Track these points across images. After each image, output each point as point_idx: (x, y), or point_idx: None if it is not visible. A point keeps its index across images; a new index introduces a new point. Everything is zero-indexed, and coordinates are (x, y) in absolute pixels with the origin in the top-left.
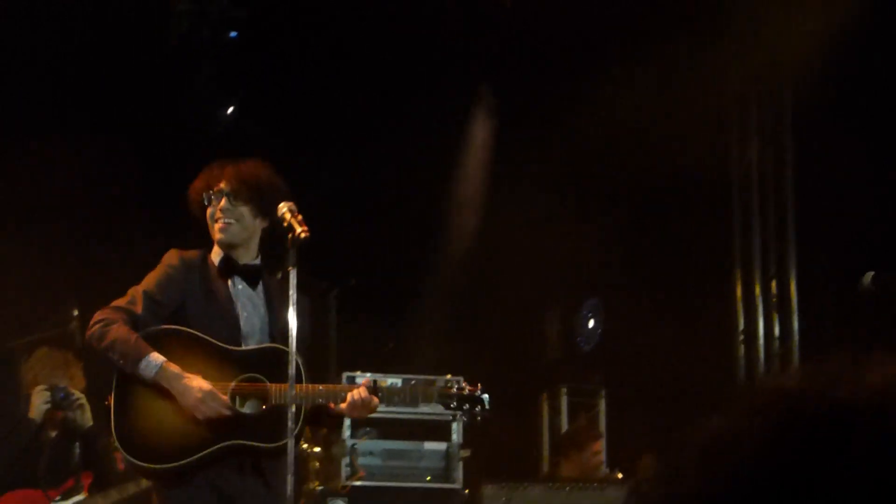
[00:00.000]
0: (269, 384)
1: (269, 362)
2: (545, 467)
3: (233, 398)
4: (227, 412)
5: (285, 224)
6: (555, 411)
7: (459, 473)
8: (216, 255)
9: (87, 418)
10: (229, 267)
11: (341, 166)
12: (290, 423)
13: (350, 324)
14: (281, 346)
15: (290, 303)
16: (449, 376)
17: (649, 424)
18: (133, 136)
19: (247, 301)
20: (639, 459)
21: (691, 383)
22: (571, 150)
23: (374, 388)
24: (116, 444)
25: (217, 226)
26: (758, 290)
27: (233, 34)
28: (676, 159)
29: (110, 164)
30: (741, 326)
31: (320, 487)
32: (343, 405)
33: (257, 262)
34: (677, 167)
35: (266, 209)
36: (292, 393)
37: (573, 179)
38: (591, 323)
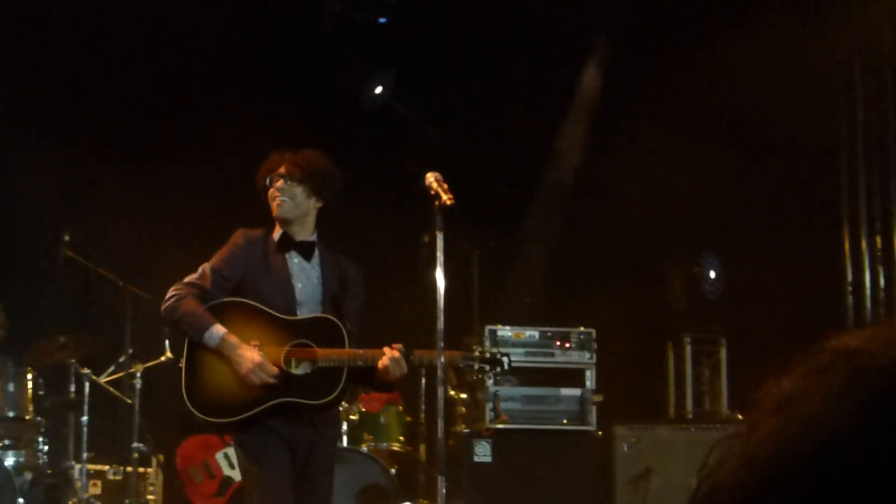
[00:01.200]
0: (316, 349)
1: (318, 330)
2: (672, 410)
3: (287, 361)
4: (273, 381)
5: (432, 192)
6: (679, 359)
7: (593, 416)
8: (276, 232)
9: None
10: (286, 242)
11: (476, 129)
12: (438, 380)
13: (490, 281)
14: (329, 316)
15: (438, 263)
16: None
17: (767, 372)
18: (291, 114)
19: (301, 273)
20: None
21: (805, 332)
22: (689, 106)
23: (405, 353)
24: (186, 401)
25: (274, 203)
26: (864, 244)
27: (382, 20)
28: (788, 117)
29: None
30: (849, 278)
31: (466, 430)
32: (379, 365)
33: (312, 238)
34: (788, 126)
35: (319, 190)
36: (441, 358)
37: (690, 133)
38: (713, 273)
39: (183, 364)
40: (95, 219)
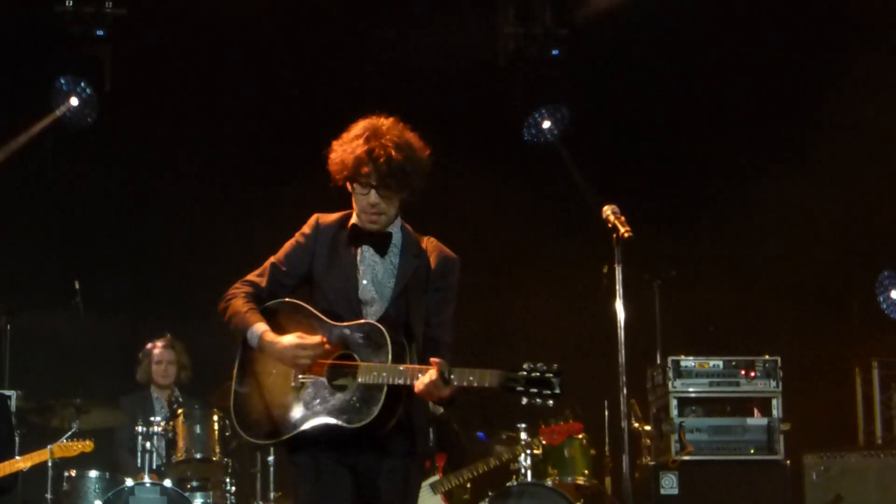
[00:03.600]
0: (359, 363)
1: (364, 338)
2: (861, 436)
3: (331, 375)
4: (321, 350)
5: (609, 225)
6: (867, 384)
7: (781, 445)
8: (353, 219)
9: (438, 407)
10: (356, 235)
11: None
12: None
13: (672, 311)
14: (374, 323)
15: (618, 296)
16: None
17: None
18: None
19: (369, 268)
20: None
21: None
22: (862, 133)
23: (444, 372)
24: (232, 416)
25: (366, 217)
26: None
27: (555, 52)
28: None
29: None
30: None
31: (652, 462)
32: (415, 389)
33: (390, 229)
34: None
35: (413, 194)
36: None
37: (866, 157)
38: (894, 293)
39: (234, 372)
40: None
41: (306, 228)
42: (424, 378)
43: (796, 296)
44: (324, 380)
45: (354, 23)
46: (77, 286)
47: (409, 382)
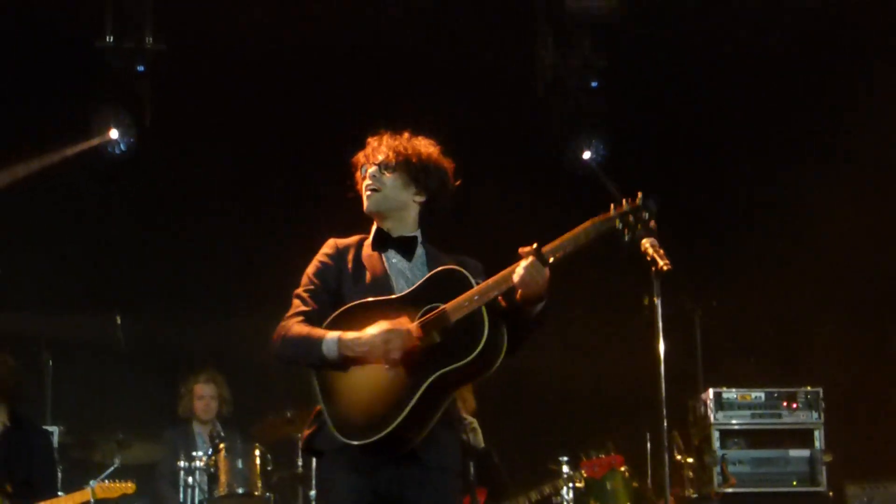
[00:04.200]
0: (445, 306)
1: (437, 287)
2: None
3: (426, 335)
4: (415, 335)
5: (648, 258)
6: None
7: (823, 476)
8: (373, 231)
9: (479, 440)
10: (382, 239)
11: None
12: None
13: (713, 341)
14: (443, 267)
15: (658, 330)
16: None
17: None
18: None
19: (400, 274)
20: None
21: None
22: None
23: (537, 253)
24: (336, 434)
25: (365, 193)
26: None
27: (594, 84)
28: None
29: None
30: None
31: (694, 495)
32: (514, 282)
33: (414, 233)
34: None
35: (417, 179)
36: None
37: None
38: None
39: (318, 395)
40: None
41: (326, 249)
42: (520, 269)
43: (837, 325)
44: (422, 340)
45: (392, 50)
46: (118, 321)
47: (505, 287)
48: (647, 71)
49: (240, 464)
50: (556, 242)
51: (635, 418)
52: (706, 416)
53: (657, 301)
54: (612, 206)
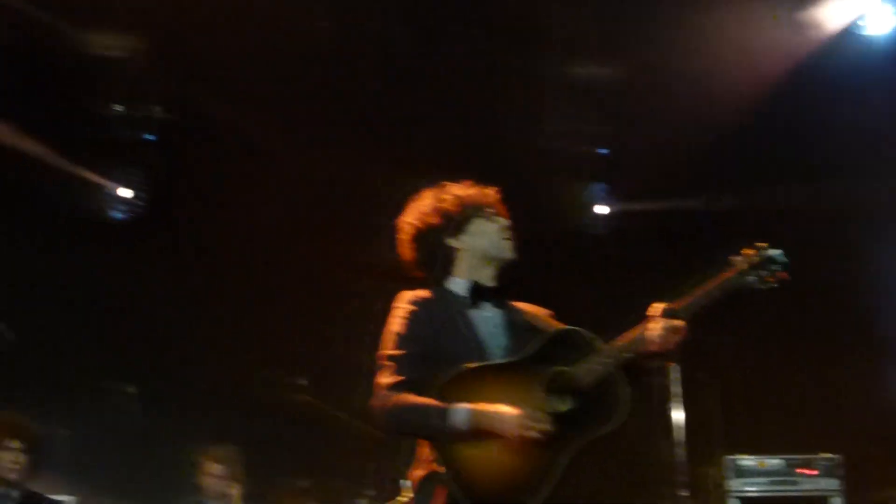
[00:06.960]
0: (572, 370)
1: (560, 350)
2: None
3: (551, 402)
4: (547, 423)
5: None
6: None
7: None
8: (454, 284)
9: None
10: (480, 292)
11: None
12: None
13: (730, 407)
14: (557, 329)
15: (674, 396)
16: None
17: None
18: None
19: (483, 323)
20: None
21: None
22: None
23: (670, 311)
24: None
25: (507, 244)
26: None
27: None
28: None
29: None
30: None
31: None
32: (649, 341)
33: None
34: None
35: None
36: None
37: None
38: None
39: (443, 468)
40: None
41: (408, 305)
42: (659, 329)
43: (857, 393)
44: (547, 409)
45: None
46: (135, 391)
47: (636, 349)
48: (655, 137)
49: None
50: (690, 299)
51: (652, 485)
52: (722, 484)
53: (672, 368)
54: (729, 257)
